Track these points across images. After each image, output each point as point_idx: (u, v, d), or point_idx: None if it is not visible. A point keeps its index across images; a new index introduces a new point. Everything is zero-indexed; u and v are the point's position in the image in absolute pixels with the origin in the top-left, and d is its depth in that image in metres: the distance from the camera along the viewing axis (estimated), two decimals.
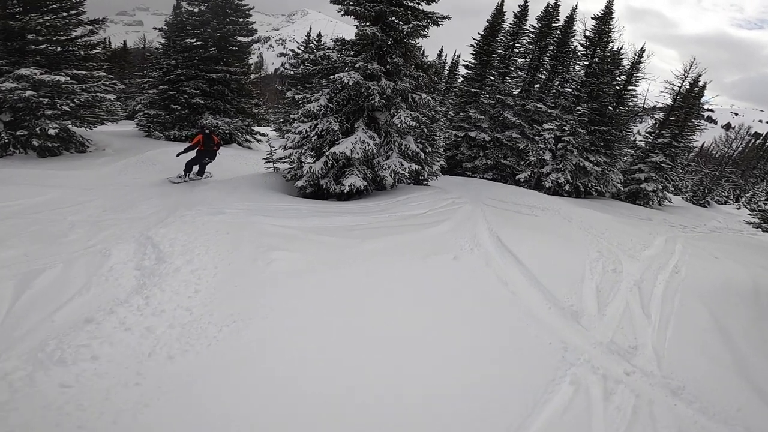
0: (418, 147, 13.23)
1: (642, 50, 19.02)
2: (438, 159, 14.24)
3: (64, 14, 11.48)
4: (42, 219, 7.70)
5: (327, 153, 11.07)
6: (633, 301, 6.65)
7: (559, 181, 17.69)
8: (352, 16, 11.07)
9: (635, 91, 19.65)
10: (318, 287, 5.03)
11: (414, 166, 11.91)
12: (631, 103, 20.12)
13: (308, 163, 11.57)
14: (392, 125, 11.70)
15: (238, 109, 20.10)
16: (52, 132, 11.20)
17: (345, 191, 11.00)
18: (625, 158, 21.74)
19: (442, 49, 32.55)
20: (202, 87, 18.82)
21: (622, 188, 20.46)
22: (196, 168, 11.91)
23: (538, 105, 18.97)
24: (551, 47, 20.35)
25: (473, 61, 21.52)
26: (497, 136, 19.68)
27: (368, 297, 4.93)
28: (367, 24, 11.09)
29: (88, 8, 12.30)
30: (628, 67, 18.95)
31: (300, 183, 11.48)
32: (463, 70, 23.46)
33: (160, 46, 20.30)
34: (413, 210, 10.26)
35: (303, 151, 11.69)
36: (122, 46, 44.40)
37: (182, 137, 19.31)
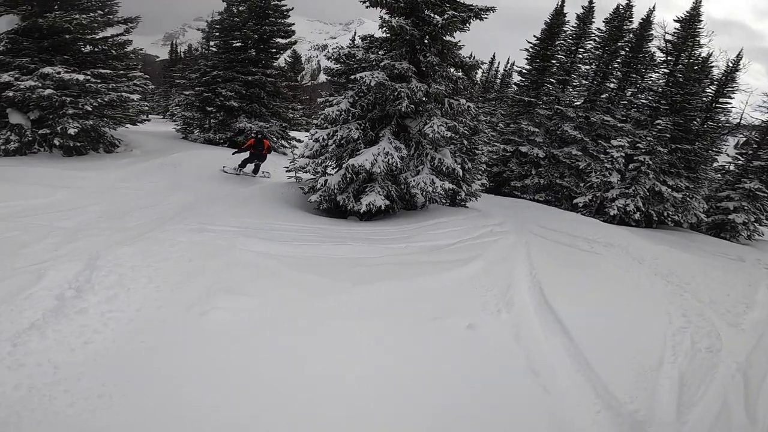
0: (455, 162, 11.43)
1: (739, 57, 15.69)
2: (479, 177, 12.33)
3: (93, 14, 11.16)
4: (29, 224, 7.02)
5: (345, 165, 9.65)
6: (734, 398, 4.46)
7: (628, 209, 14.89)
8: (380, 8, 9.61)
9: (729, 103, 16.28)
10: (255, 368, 3.49)
11: (448, 185, 10.14)
12: (722, 118, 16.71)
13: (326, 175, 10.24)
14: (424, 135, 10.03)
15: (273, 113, 19.50)
16: (72, 131, 10.89)
17: (362, 210, 9.48)
18: (711, 183, 18.17)
19: (494, 57, 30.31)
20: (237, 89, 18.44)
21: (704, 218, 17.00)
22: (251, 166, 12.90)
23: (605, 118, 16.30)
24: (622, 52, 17.58)
25: (528, 67, 19.27)
26: (553, 152, 17.23)
27: (329, 394, 3.29)
28: (397, 16, 9.58)
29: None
30: (721, 76, 15.71)
31: (314, 197, 10.17)
32: (516, 78, 21.23)
33: (200, 48, 20.35)
34: (439, 240, 8.48)
35: (320, 161, 10.39)
36: (188, 50, 46.92)
37: (218, 140, 19.03)
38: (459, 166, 11.66)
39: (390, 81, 9.86)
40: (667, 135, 13.99)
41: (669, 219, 16.28)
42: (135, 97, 12.58)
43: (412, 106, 9.82)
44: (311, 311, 4.48)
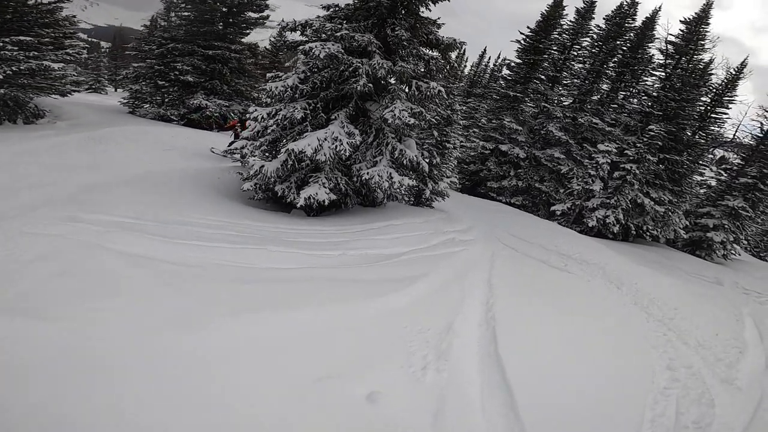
0: (421, 155, 9.95)
1: (743, 64, 14.61)
2: (449, 174, 10.89)
3: None
4: None
5: (283, 149, 8.05)
6: None
7: (607, 220, 13.77)
8: None
9: (725, 114, 15.24)
10: None
11: (408, 181, 8.65)
12: (715, 129, 15.70)
13: (262, 161, 8.62)
14: (385, 121, 8.49)
15: (235, 91, 17.68)
16: None
17: (300, 204, 7.93)
18: (692, 198, 17.29)
19: (484, 51, 28.78)
20: (197, 64, 16.58)
21: (683, 234, 16.08)
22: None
23: (594, 120, 15.06)
24: (619, 52, 16.31)
25: (517, 60, 17.85)
26: (535, 154, 15.95)
27: None
28: None
29: None
30: (720, 84, 14.63)
31: (247, 186, 8.54)
32: (506, 72, 19.77)
33: (158, 19, 18.35)
34: (386, 247, 7.02)
35: (258, 144, 8.75)
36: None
37: (170, 117, 17.13)
38: (425, 160, 10.19)
39: (346, 55, 8.26)
40: (659, 143, 12.84)
41: (647, 233, 15.31)
42: (57, 65, 11.11)
43: (371, 85, 8.26)
44: (131, 360, 2.95)
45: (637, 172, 12.99)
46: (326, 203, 8.12)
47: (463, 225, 10.18)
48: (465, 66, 30.30)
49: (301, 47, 8.21)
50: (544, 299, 6.19)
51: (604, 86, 16.33)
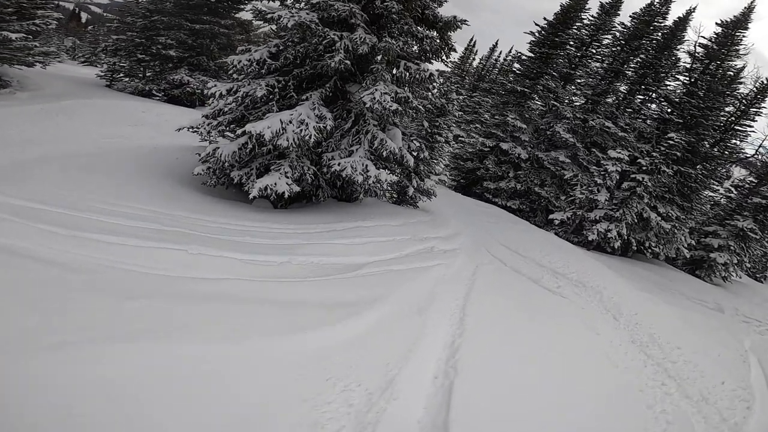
0: (408, 148, 8.82)
1: None
2: (438, 171, 9.75)
3: None
4: None
5: (241, 131, 6.93)
6: None
7: (609, 235, 12.64)
8: None
9: (750, 127, 13.94)
10: None
11: (387, 175, 7.52)
12: (736, 142, 14.44)
13: (216, 143, 7.50)
14: (364, 104, 7.33)
15: (222, 68, 16.56)
16: None
17: (252, 196, 6.82)
18: (700, 215, 16.11)
19: (496, 44, 27.13)
20: (182, 38, 15.45)
21: (686, 253, 14.96)
22: None
23: (607, 123, 13.79)
24: (642, 53, 14.92)
25: (529, 54, 16.47)
26: (538, 155, 14.74)
27: None
28: None
29: None
30: (749, 94, 13.31)
31: (198, 170, 7.43)
32: (515, 65, 18.37)
33: None
34: (347, 255, 5.95)
35: (216, 123, 7.63)
36: None
37: (150, 92, 16.06)
38: (412, 153, 9.04)
39: (322, 26, 7.05)
40: (677, 153, 11.59)
41: (648, 250, 14.22)
42: (15, 36, 10.60)
43: (348, 62, 7.08)
44: None
45: (649, 184, 11.80)
46: (287, 195, 7.01)
47: (448, 230, 9.09)
48: (473, 59, 28.81)
49: (269, 15, 7.00)
50: (528, 337, 5.12)
51: (622, 87, 14.98)
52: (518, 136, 14.93)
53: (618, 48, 15.74)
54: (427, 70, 7.31)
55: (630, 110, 14.82)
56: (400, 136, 8.48)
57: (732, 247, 15.01)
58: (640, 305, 8.59)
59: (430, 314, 4.70)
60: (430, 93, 8.50)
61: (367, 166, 7.50)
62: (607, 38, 16.36)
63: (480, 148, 15.30)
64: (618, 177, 11.72)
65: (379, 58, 7.74)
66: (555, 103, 14.90)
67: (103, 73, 16.96)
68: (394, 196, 9.66)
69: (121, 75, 16.49)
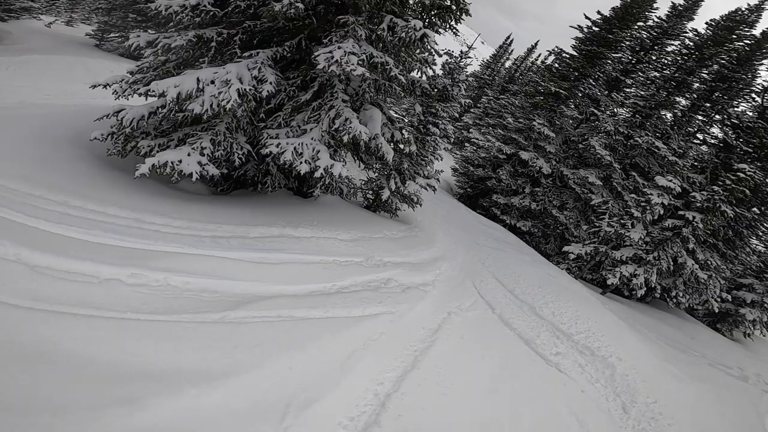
0: (389, 137, 6.71)
1: None
2: (428, 173, 7.58)
3: None
4: None
5: (145, 90, 4.98)
6: None
7: (634, 281, 10.25)
8: None
9: None
10: None
11: (340, 168, 5.42)
12: None
13: (122, 104, 5.54)
14: (322, 66, 5.21)
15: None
16: None
17: (138, 174, 4.82)
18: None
19: (535, 45, 24.14)
20: None
21: (716, 306, 12.53)
22: None
23: (656, 143, 11.24)
24: (716, 63, 12.20)
25: (571, 52, 13.90)
26: (563, 172, 12.32)
27: None
28: None
29: None
30: None
31: (95, 134, 5.51)
32: (552, 60, 15.75)
33: None
34: (242, 279, 3.92)
35: (132, 81, 5.70)
36: None
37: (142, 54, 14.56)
38: (399, 145, 6.91)
39: None
40: (746, 189, 9.03)
41: (673, 299, 11.82)
42: None
43: (302, 5, 4.97)
44: None
45: (700, 225, 9.31)
46: (194, 178, 5.00)
47: (427, 253, 6.95)
48: (507, 59, 25.92)
49: None
50: None
51: (683, 101, 12.29)
52: (543, 145, 12.52)
53: (685, 57, 13.03)
54: (419, 28, 5.11)
55: (693, 129, 12.18)
56: (379, 119, 6.34)
57: (766, 305, 12.68)
58: (662, 387, 6.50)
59: (300, 423, 2.63)
60: (423, 64, 6.28)
61: (318, 152, 5.43)
62: (673, 45, 13.65)
63: (495, 154, 12.97)
64: (661, 210, 9.26)
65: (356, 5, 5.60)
66: (595, 110, 12.39)
67: (93, 33, 15.95)
68: (369, 198, 7.56)
69: (111, 34, 15.24)
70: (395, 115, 7.21)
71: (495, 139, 13.30)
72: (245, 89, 4.88)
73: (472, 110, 22.15)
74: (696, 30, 13.04)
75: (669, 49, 13.51)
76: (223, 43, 5.85)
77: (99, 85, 6.19)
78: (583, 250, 10.13)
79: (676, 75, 12.88)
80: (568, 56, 14.08)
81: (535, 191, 12.38)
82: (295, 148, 5.37)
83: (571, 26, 14.35)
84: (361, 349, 3.55)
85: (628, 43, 13.55)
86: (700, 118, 12.07)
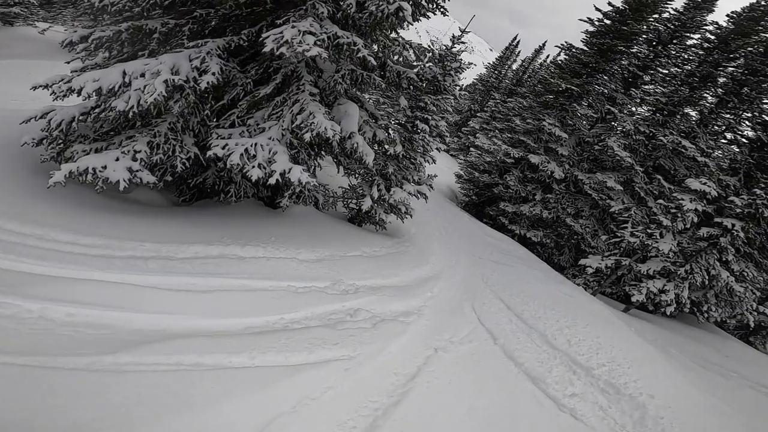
0: (371, 137, 5.79)
1: None
2: (418, 178, 6.58)
3: None
4: None
5: (67, 87, 4.18)
6: None
7: (663, 297, 8.98)
8: None
9: None
10: None
11: (305, 176, 4.48)
12: None
13: (53, 102, 4.74)
14: (272, 49, 4.32)
15: None
16: None
17: (52, 183, 3.96)
18: None
19: (543, 46, 22.97)
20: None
21: (752, 319, 11.09)
22: None
23: (684, 143, 10.02)
24: (742, 57, 10.98)
25: (582, 47, 12.81)
26: (577, 176, 11.16)
27: None
28: None
29: None
30: None
31: (25, 139, 4.76)
32: (562, 57, 14.63)
33: None
34: (157, 311, 2.98)
35: (66, 80, 4.93)
36: None
37: None
38: (371, 143, 5.96)
39: None
40: None
41: (704, 313, 10.45)
42: None
43: None
44: None
45: (741, 234, 8.04)
46: (123, 187, 4.13)
47: (417, 272, 5.93)
48: (514, 60, 24.84)
49: None
50: None
51: (710, 99, 11.04)
52: (554, 148, 11.41)
53: (709, 50, 11.81)
54: (393, 1, 4.18)
55: (718, 128, 10.92)
56: (356, 116, 5.41)
57: None
58: (705, 427, 5.29)
59: None
60: (405, 48, 5.33)
61: (274, 153, 4.51)
62: (692, 38, 12.47)
63: (502, 158, 11.89)
64: (694, 217, 8.02)
65: None
66: (611, 108, 11.24)
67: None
68: (353, 208, 6.59)
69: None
70: (380, 112, 6.27)
71: (501, 142, 12.24)
72: (176, 81, 4.02)
73: (478, 115, 21.16)
74: (716, 22, 11.87)
75: (689, 42, 12.34)
76: (169, 34, 5.06)
77: (39, 86, 5.43)
78: (603, 263, 8.92)
79: (700, 69, 11.64)
80: (579, 51, 12.99)
81: (546, 198, 11.22)
82: (246, 150, 4.47)
83: (581, 19, 13.30)
84: (289, 413, 2.55)
85: (644, 36, 12.41)
86: (727, 115, 10.78)
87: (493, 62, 24.81)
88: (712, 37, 11.84)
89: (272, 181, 4.40)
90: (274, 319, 3.51)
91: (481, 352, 4.93)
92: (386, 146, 5.93)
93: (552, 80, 12.22)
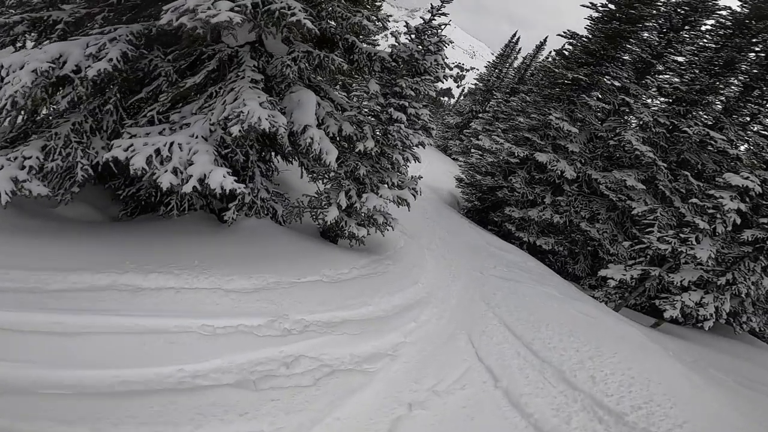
0: (336, 131, 4.78)
1: None
2: (401, 180, 5.49)
3: None
4: None
5: None
6: None
7: (702, 311, 7.64)
8: None
9: None
10: None
11: (229, 182, 3.43)
12: None
13: None
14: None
15: None
16: None
17: None
18: None
19: (545, 41, 21.84)
20: None
21: None
22: None
23: (712, 134, 8.77)
24: (762, 43, 9.73)
25: (585, 35, 11.63)
26: (591, 175, 9.94)
27: None
28: None
29: None
30: None
31: None
32: (565, 46, 13.45)
33: None
34: None
35: None
36: None
37: None
38: (336, 139, 4.92)
39: None
40: None
41: (742, 324, 9.04)
42: None
43: None
44: None
45: None
46: (5, 202, 3.16)
47: (399, 298, 4.82)
48: (516, 58, 23.73)
49: None
50: None
51: (736, 83, 9.76)
52: (563, 144, 10.23)
53: (727, 36, 10.55)
54: None
55: (752, 109, 9.61)
56: (312, 105, 4.39)
57: None
58: None
59: None
60: (370, 20, 4.31)
61: (194, 153, 3.50)
62: (706, 24, 11.24)
63: (506, 158, 10.74)
64: (737, 219, 6.71)
65: None
66: (626, 98, 10.05)
67: None
68: (325, 222, 5.49)
69: None
70: (348, 102, 5.25)
71: (504, 140, 11.12)
72: (48, 70, 3.05)
73: (480, 116, 20.06)
74: (729, 7, 10.66)
75: (704, 27, 11.11)
76: (78, 24, 4.15)
77: None
78: (628, 274, 7.65)
79: (721, 54, 10.36)
80: (584, 38, 11.81)
81: (557, 201, 9.99)
82: (158, 151, 3.46)
83: (583, 5, 12.16)
84: None
85: (654, 22, 11.23)
86: (753, 104, 9.50)
87: (493, 61, 23.75)
88: (728, 23, 10.61)
89: (187, 188, 3.38)
90: (168, 372, 2.45)
91: (477, 403, 3.77)
92: (359, 143, 4.88)
93: (557, 70, 11.10)
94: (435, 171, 17.23)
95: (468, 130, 20.41)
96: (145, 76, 4.28)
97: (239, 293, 3.43)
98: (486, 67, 24.13)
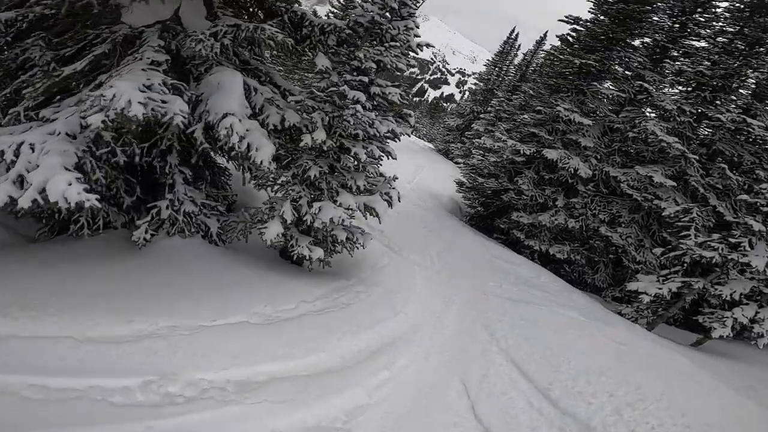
0: (278, 120, 3.67)
1: None
2: (370, 182, 4.34)
3: None
4: None
5: None
6: None
7: (757, 328, 6.25)
8: None
9: None
10: None
11: (76, 194, 2.39)
12: None
13: None
14: None
15: None
16: None
17: None
18: None
19: (545, 36, 20.65)
20: None
21: None
22: None
23: (751, 121, 7.48)
24: None
25: (587, 20, 10.41)
26: (608, 172, 8.68)
27: None
28: None
29: None
30: None
31: None
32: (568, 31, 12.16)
33: None
34: None
35: None
36: None
37: None
38: (275, 131, 3.84)
39: None
40: None
41: None
42: None
43: None
44: None
45: None
46: None
47: (365, 338, 3.68)
48: (516, 55, 22.56)
49: None
50: None
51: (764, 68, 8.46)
52: (575, 139, 9.00)
53: (746, 16, 9.28)
54: None
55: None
56: (235, 89, 3.36)
57: None
58: None
59: None
60: None
61: (45, 154, 2.43)
62: (719, 6, 10.01)
63: (510, 157, 9.54)
64: None
65: None
66: (643, 83, 8.81)
67: None
68: (264, 241, 4.33)
69: None
70: (301, 88, 4.19)
71: (502, 134, 9.95)
72: None
73: (482, 116, 18.88)
74: None
75: (719, 9, 9.87)
76: None
77: None
78: (665, 287, 6.33)
79: (746, 35, 9.06)
80: (590, 21, 10.60)
81: (571, 203, 8.72)
82: (1, 153, 2.42)
83: None
84: None
85: (663, 3, 10.04)
86: None
87: (492, 58, 22.63)
88: (742, 5, 9.34)
89: (24, 203, 2.30)
90: None
91: None
92: (312, 136, 3.78)
93: (562, 56, 9.96)
94: (436, 175, 16.09)
95: (470, 132, 19.26)
96: (19, 68, 3.31)
97: (106, 343, 2.33)
98: (485, 65, 23.05)
